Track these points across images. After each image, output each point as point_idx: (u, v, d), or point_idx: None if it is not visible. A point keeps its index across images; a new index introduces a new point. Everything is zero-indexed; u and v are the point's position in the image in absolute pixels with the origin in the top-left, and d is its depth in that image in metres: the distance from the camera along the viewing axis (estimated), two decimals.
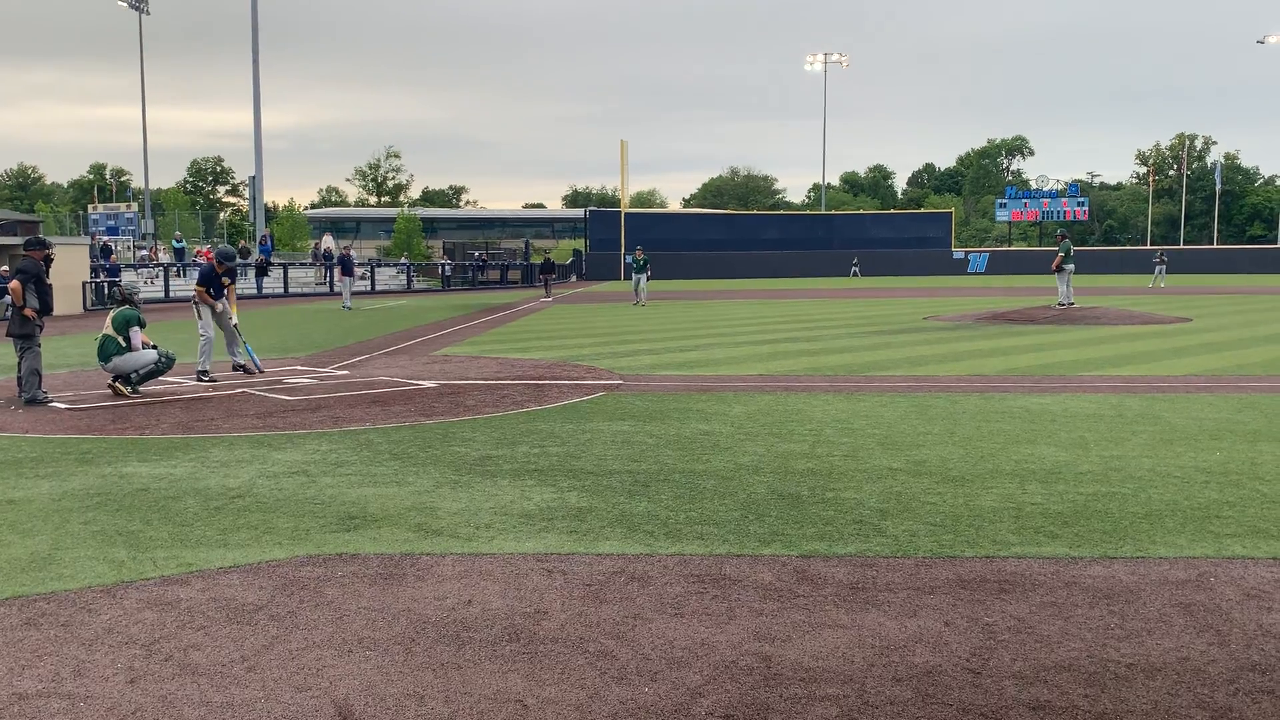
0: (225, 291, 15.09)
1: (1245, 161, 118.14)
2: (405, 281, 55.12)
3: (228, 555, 5.97)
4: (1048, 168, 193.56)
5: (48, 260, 12.93)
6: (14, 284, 12.41)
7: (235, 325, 15.04)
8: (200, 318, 14.74)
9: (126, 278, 39.74)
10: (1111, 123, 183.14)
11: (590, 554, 5.94)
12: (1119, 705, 3.95)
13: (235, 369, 14.90)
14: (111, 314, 13.04)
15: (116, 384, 12.70)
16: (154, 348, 13.01)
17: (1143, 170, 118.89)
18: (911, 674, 4.25)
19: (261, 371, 14.96)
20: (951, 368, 15.14)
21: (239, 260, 15.47)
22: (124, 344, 12.67)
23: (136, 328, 12.84)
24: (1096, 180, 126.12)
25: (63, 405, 12.08)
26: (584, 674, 4.27)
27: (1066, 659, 4.40)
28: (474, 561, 5.82)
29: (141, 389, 12.85)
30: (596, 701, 4.02)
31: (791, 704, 3.98)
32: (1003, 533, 6.28)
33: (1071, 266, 27.96)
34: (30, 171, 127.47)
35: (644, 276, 36.48)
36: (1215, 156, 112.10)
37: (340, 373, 15.26)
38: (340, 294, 37.49)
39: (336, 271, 39.81)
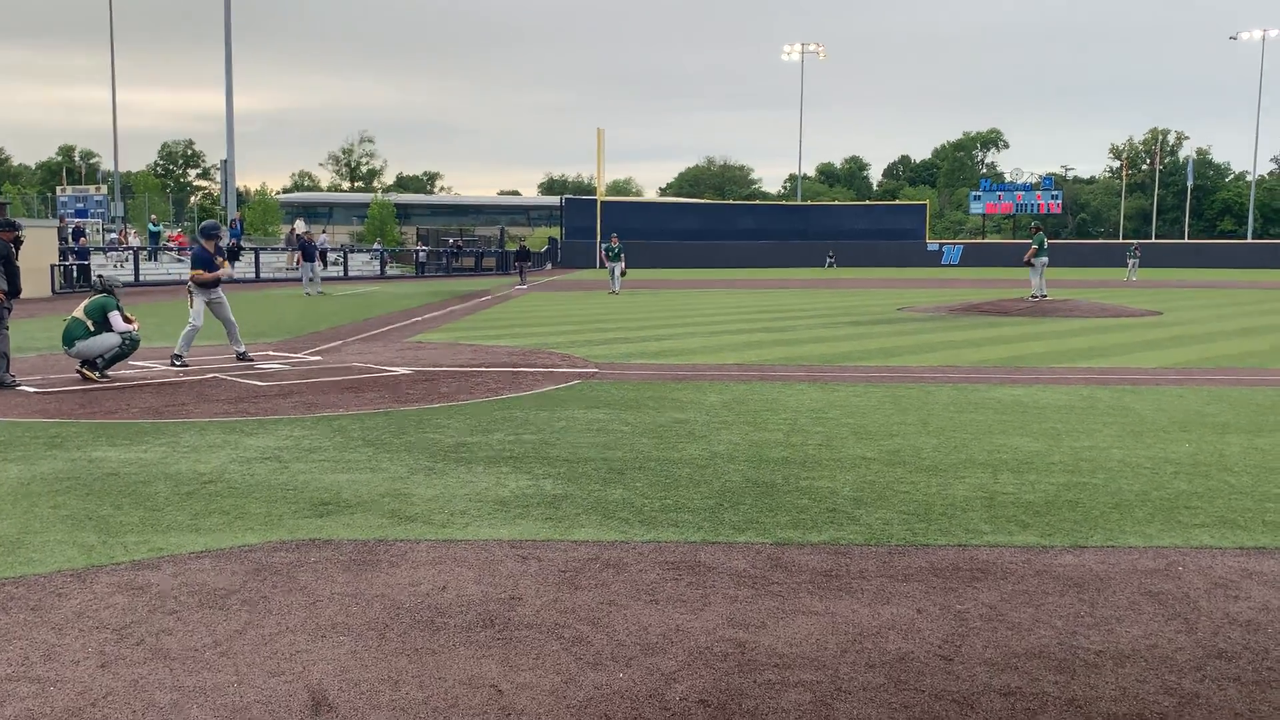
0: (219, 268, 14.63)
1: (1216, 157, 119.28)
2: (379, 268, 54.83)
3: (199, 540, 5.93)
4: (1022, 161, 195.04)
5: (17, 242, 12.78)
6: None
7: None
8: (192, 305, 14.49)
9: (107, 270, 39.46)
10: (1086, 117, 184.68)
11: (565, 541, 5.94)
12: (1089, 691, 4.01)
13: (239, 359, 14.60)
14: (86, 300, 12.93)
15: (83, 369, 12.59)
16: (129, 322, 12.87)
17: (1116, 164, 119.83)
18: (884, 660, 4.29)
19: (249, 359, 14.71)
20: (925, 358, 15.23)
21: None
22: (91, 329, 12.56)
23: (116, 311, 12.75)
24: (1070, 174, 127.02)
25: (31, 389, 11.96)
26: (559, 659, 4.28)
27: (1037, 646, 4.45)
28: (448, 548, 5.82)
29: (110, 373, 12.73)
30: (571, 687, 4.03)
31: (765, 689, 4.00)
32: (975, 522, 6.34)
33: (1045, 259, 28.13)
34: None
35: (619, 265, 36.38)
36: (1187, 152, 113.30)
37: (313, 358, 15.17)
38: (300, 280, 37.21)
39: (297, 256, 39.53)
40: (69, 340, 12.57)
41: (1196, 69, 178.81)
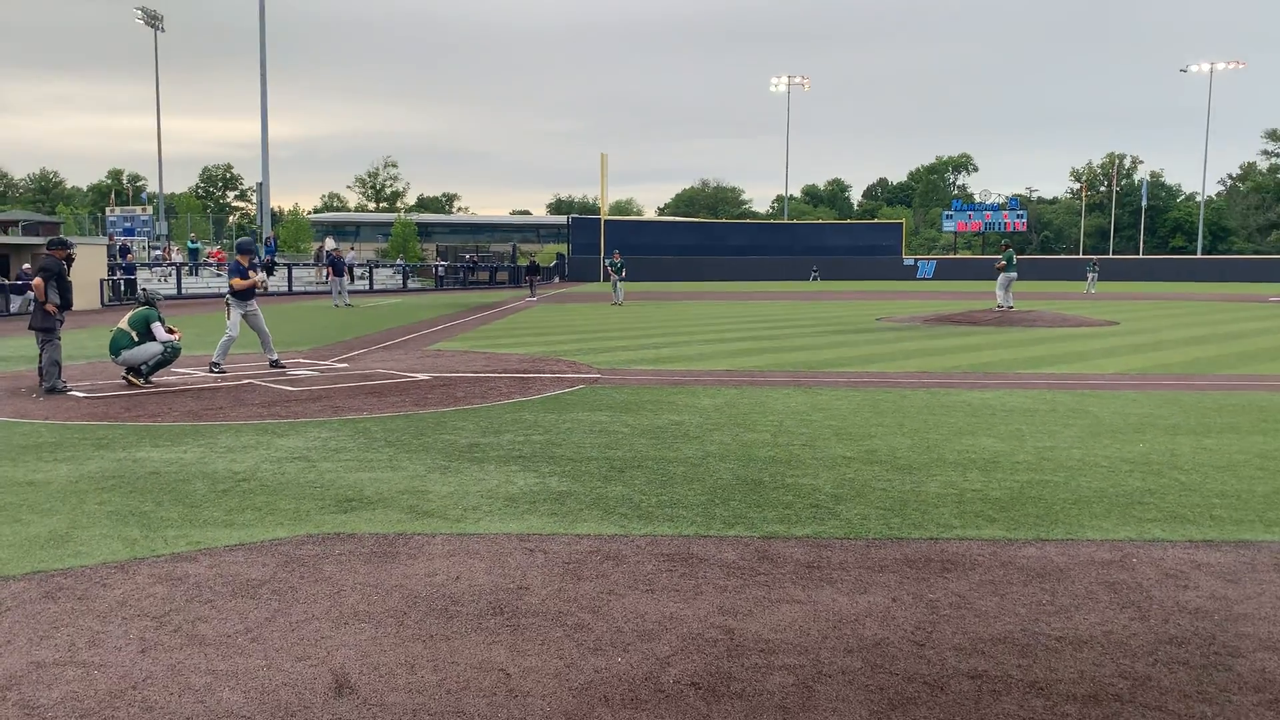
0: (254, 287, 14.59)
1: (1169, 179, 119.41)
2: (401, 281, 54.80)
3: (233, 534, 5.92)
4: (990, 183, 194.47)
5: (69, 259, 12.79)
6: (37, 281, 12.27)
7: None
8: (229, 317, 14.47)
9: (151, 284, 39.47)
10: (1049, 143, 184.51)
11: (569, 534, 5.93)
12: (1049, 674, 3.99)
13: (272, 366, 14.51)
14: (131, 312, 12.93)
15: (129, 376, 12.58)
16: (172, 333, 12.88)
17: (1076, 186, 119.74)
18: (861, 645, 4.27)
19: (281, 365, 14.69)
20: (901, 365, 15.20)
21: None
22: (135, 339, 12.55)
23: (158, 322, 12.75)
24: (1035, 194, 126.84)
25: (81, 394, 11.95)
26: (562, 645, 4.27)
27: (1002, 632, 4.43)
28: (462, 541, 5.80)
29: (154, 379, 12.72)
30: (574, 670, 4.01)
31: (752, 673, 3.99)
32: (945, 516, 6.32)
33: (1014, 275, 28.03)
34: (52, 176, 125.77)
35: (618, 280, 36.64)
36: (1142, 174, 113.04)
37: (340, 365, 15.16)
38: (330, 293, 37.24)
39: (327, 271, 39.51)
40: (115, 350, 12.56)
41: (1150, 98, 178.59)
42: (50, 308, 12.28)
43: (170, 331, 12.88)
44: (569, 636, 4.36)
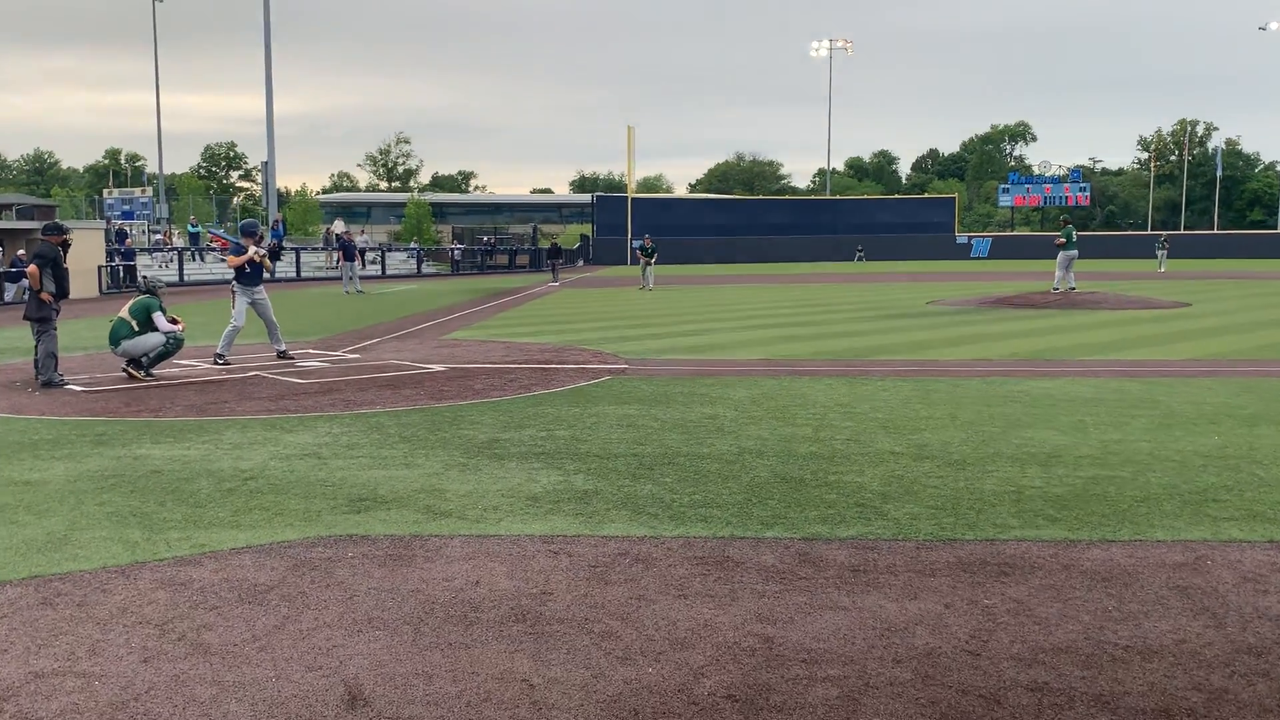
0: (262, 268, 14.73)
1: (1246, 147, 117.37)
2: (415, 266, 55.11)
3: (240, 536, 5.98)
4: (1050, 153, 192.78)
5: (65, 245, 12.97)
6: (32, 268, 12.44)
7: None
8: (234, 305, 14.61)
9: (153, 271, 39.96)
10: (1114, 109, 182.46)
11: (595, 536, 5.94)
12: (1116, 687, 3.95)
13: (279, 357, 14.65)
14: (132, 301, 13.08)
15: (129, 368, 12.74)
16: (175, 323, 13.04)
17: (1144, 156, 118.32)
18: (911, 655, 4.25)
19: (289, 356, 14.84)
20: (954, 352, 15.11)
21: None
22: (136, 329, 12.70)
23: (159, 312, 12.90)
24: (1099, 166, 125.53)
25: (78, 388, 12.11)
26: (589, 654, 4.28)
27: (1064, 641, 4.40)
28: (481, 543, 5.83)
29: (155, 371, 12.87)
30: (601, 681, 4.02)
31: (793, 684, 3.98)
32: (1003, 516, 6.27)
33: (1075, 252, 27.76)
34: (46, 157, 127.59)
35: (650, 262, 36.92)
36: (1216, 142, 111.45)
37: (351, 356, 15.27)
38: (340, 279, 37.54)
39: (337, 255, 39.84)
40: (115, 340, 12.72)
41: (1226, 59, 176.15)
42: (45, 296, 12.45)
43: (173, 322, 13.02)
44: (596, 645, 4.38)
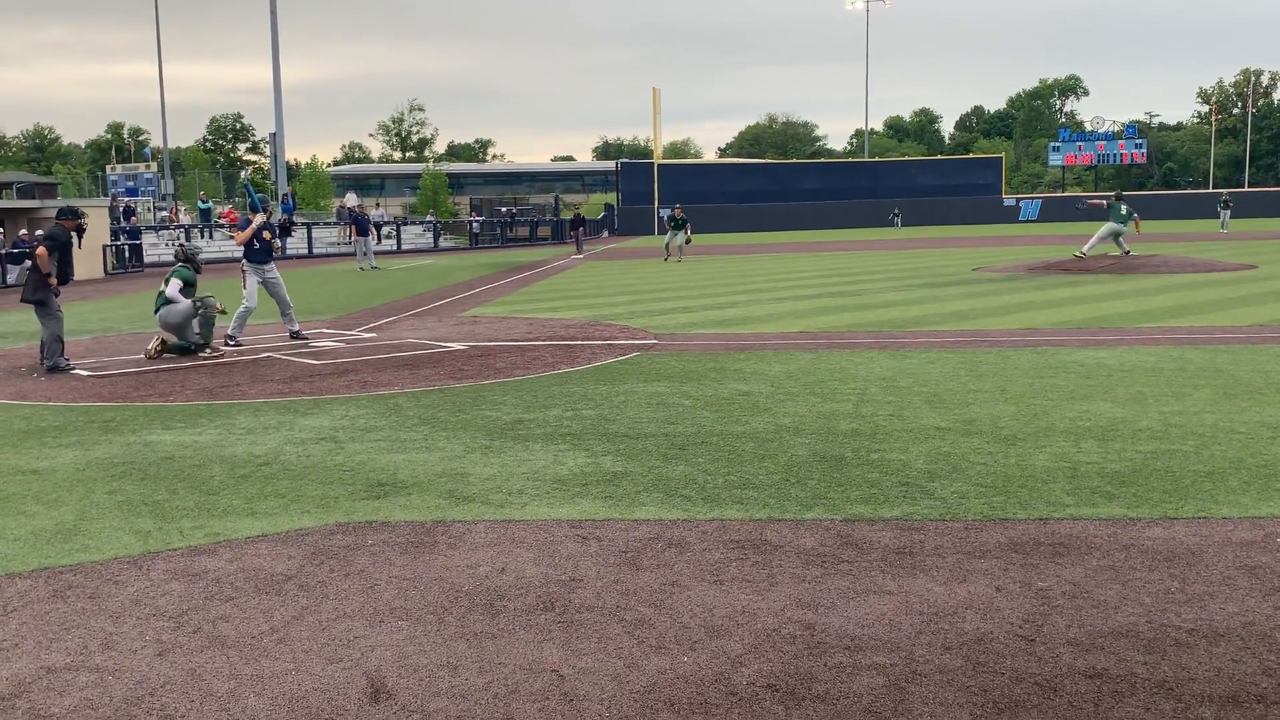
0: (271, 249, 14.85)
1: None
2: (432, 240, 55.27)
3: (255, 524, 6.04)
4: (1103, 109, 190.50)
5: (79, 230, 13.22)
6: (41, 250, 12.55)
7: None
8: (245, 285, 14.72)
9: (159, 248, 40.36)
10: (1171, 60, 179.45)
11: (626, 520, 5.96)
12: (1180, 673, 3.92)
13: (292, 337, 14.78)
14: (171, 270, 13.73)
15: (203, 352, 13.09)
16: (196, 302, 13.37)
17: (1205, 109, 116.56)
18: (961, 641, 4.24)
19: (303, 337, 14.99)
20: (1002, 321, 15.00)
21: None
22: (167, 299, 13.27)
23: (174, 279, 13.33)
24: (1155, 121, 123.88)
25: (85, 372, 12.25)
26: (621, 643, 4.30)
27: (1124, 624, 4.37)
28: (506, 529, 5.86)
29: (225, 346, 13.36)
30: (634, 671, 4.04)
31: (836, 673, 3.98)
32: (1057, 493, 6.23)
33: (1117, 227, 26.65)
34: (47, 133, 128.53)
35: (681, 234, 35.60)
36: None
37: (367, 335, 15.36)
38: (354, 255, 37.73)
39: (350, 230, 40.05)
40: (156, 310, 13.39)
41: None
42: (52, 282, 12.57)
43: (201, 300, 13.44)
44: (628, 634, 4.39)
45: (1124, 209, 27.24)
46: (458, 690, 3.91)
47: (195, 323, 13.23)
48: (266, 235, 14.72)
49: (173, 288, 13.27)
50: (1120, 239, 26.98)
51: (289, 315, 14.91)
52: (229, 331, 14.29)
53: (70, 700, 3.91)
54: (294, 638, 4.43)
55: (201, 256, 14.30)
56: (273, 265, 14.83)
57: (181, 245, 14.87)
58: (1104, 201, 27.44)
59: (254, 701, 3.86)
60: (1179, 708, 3.66)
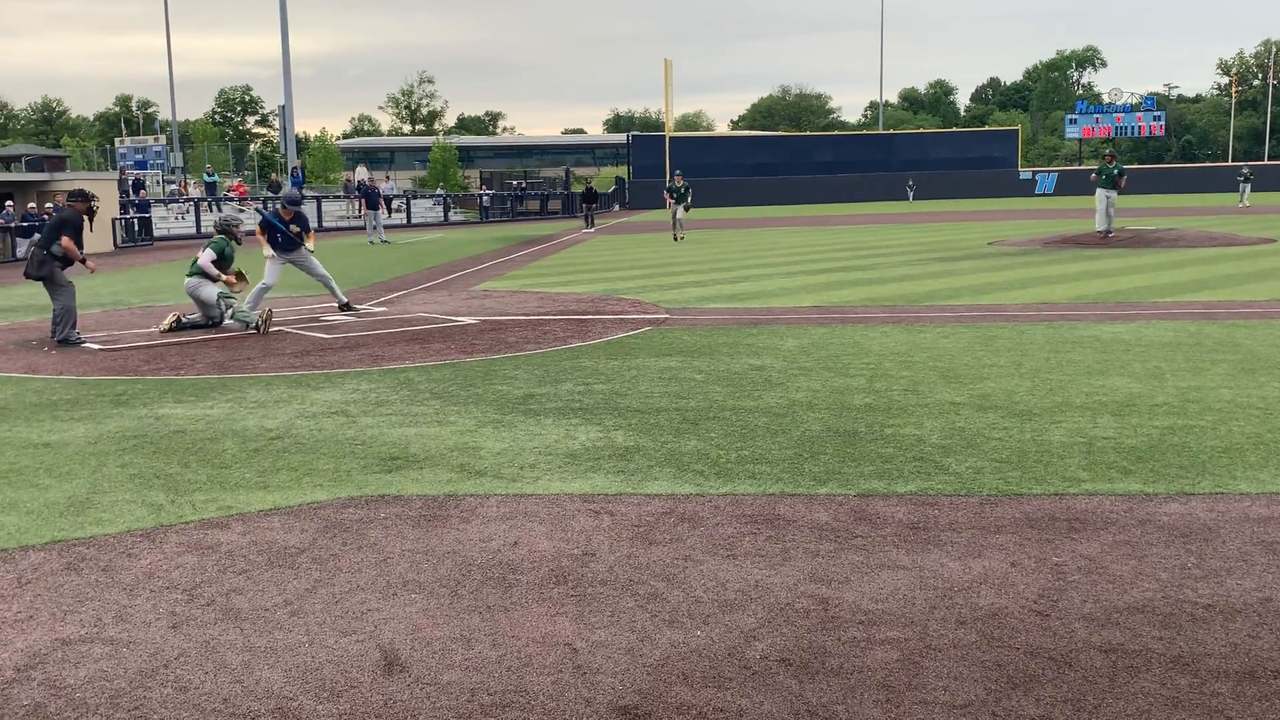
0: (304, 239, 14.80)
1: None
2: (442, 213, 55.21)
3: (268, 497, 6.07)
4: (1121, 80, 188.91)
5: (90, 213, 13.29)
6: (66, 241, 12.59)
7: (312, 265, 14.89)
8: (267, 266, 14.69)
9: (168, 221, 40.42)
10: (1191, 31, 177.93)
11: (638, 494, 5.97)
12: (1195, 648, 3.93)
13: (342, 309, 14.82)
14: (209, 241, 13.89)
15: (252, 330, 12.98)
16: (224, 294, 13.51)
17: (1224, 81, 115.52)
18: (976, 616, 4.25)
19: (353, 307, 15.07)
20: (1018, 296, 14.94)
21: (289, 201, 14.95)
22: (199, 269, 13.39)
23: (208, 249, 13.48)
24: (1174, 93, 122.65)
25: (96, 346, 12.30)
26: (634, 617, 4.32)
27: (1140, 600, 4.37)
28: (519, 502, 5.88)
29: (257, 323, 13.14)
30: (647, 645, 4.06)
31: (850, 647, 3.99)
32: (1073, 469, 6.22)
33: (1109, 193, 25.70)
34: (55, 105, 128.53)
35: (682, 207, 33.32)
36: None
37: (378, 309, 15.37)
38: (364, 228, 37.73)
39: (360, 204, 40.00)
40: (189, 275, 13.59)
41: None
42: (91, 266, 13.05)
43: (238, 277, 13.55)
44: (641, 608, 4.41)
45: (1104, 174, 26.00)
46: (471, 663, 3.94)
47: (221, 303, 13.29)
48: (295, 230, 14.69)
49: (206, 257, 13.34)
50: (1112, 209, 25.85)
51: (332, 290, 14.98)
52: (247, 303, 14.23)
53: (85, 672, 3.95)
54: (307, 610, 4.46)
55: (245, 228, 14.30)
56: (300, 251, 14.76)
57: (224, 217, 14.77)
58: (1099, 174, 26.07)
59: (267, 673, 3.89)
60: (1195, 683, 3.67)
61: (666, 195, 35.36)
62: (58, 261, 12.56)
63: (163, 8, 57.47)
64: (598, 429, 7.48)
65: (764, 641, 4.06)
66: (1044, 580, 4.60)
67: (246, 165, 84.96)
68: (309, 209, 45.56)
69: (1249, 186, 50.24)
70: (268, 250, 14.64)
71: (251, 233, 14.83)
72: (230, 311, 13.12)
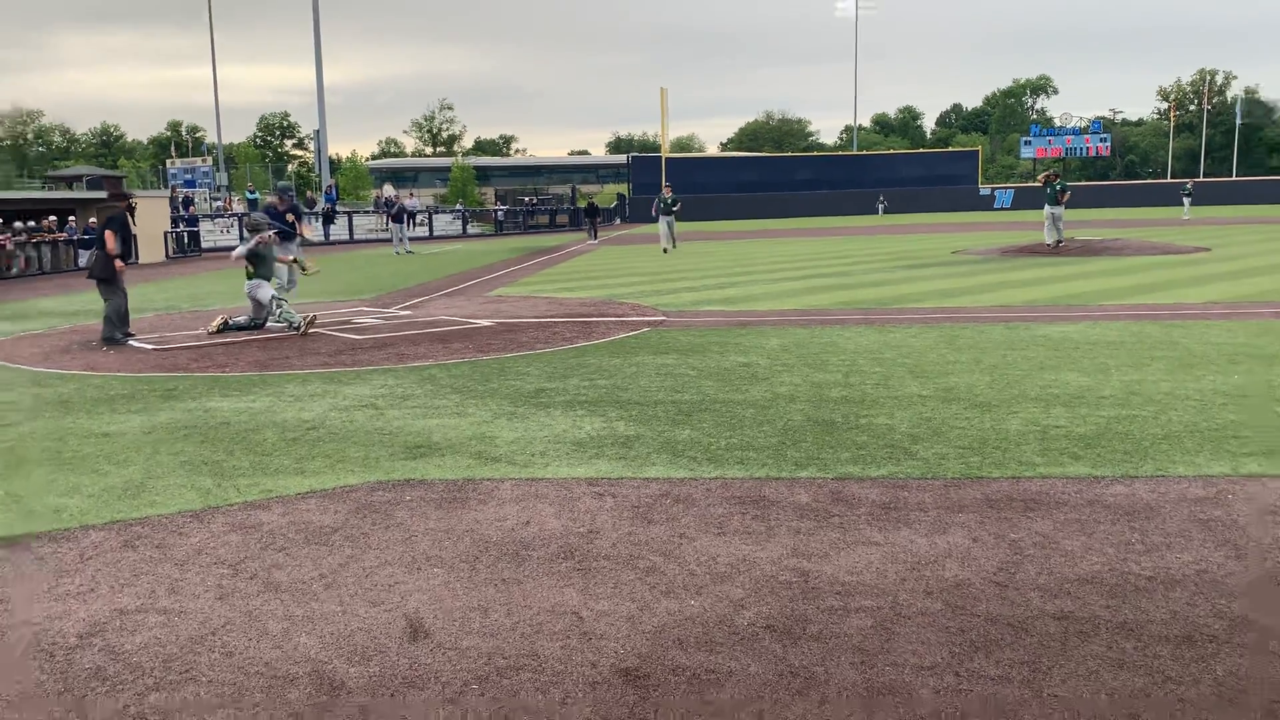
0: (298, 229, 14.69)
1: (1266, 95, 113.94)
2: (461, 227, 55.13)
3: (305, 482, 6.06)
4: (1071, 105, 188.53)
5: (130, 209, 13.24)
6: (109, 234, 12.62)
7: (291, 272, 14.81)
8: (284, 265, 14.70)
9: (214, 235, 40.35)
10: (1133, 61, 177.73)
11: (638, 478, 5.96)
12: (1139, 615, 3.92)
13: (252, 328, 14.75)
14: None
15: (294, 331, 12.91)
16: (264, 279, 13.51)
17: (1164, 106, 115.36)
18: (942, 587, 4.24)
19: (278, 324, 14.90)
20: (978, 299, 14.92)
21: (303, 206, 14.98)
22: (251, 272, 13.28)
23: (247, 233, 13.53)
24: (1119, 117, 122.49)
25: (148, 346, 12.28)
26: (634, 588, 4.31)
27: (1089, 572, 4.36)
28: (530, 486, 5.87)
29: (300, 320, 13.05)
30: (646, 613, 4.05)
31: (829, 615, 3.99)
32: (1028, 454, 6.22)
33: (1054, 210, 25.22)
34: (113, 130, 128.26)
35: (671, 219, 30.58)
36: (1236, 91, 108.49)
37: (403, 313, 15.35)
38: (391, 240, 37.67)
39: (387, 218, 39.96)
40: (249, 277, 13.48)
41: (1245, 7, 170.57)
42: (119, 264, 12.67)
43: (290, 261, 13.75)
44: (641, 580, 4.40)
45: (1049, 189, 25.51)
46: (488, 630, 3.93)
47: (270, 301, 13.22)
48: (289, 217, 14.60)
49: (240, 248, 13.48)
50: (1058, 223, 25.42)
51: (258, 303, 14.68)
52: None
53: (141, 638, 3.94)
54: (340, 583, 4.45)
55: (264, 226, 14.14)
56: (293, 245, 14.62)
57: (248, 215, 14.73)
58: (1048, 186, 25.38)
59: (305, 640, 3.88)
60: (1139, 646, 3.67)
61: (655, 209, 31.82)
62: (115, 267, 12.57)
63: (209, 40, 57.43)
64: (601, 420, 7.47)
65: (751, 610, 4.06)
66: (1002, 555, 4.60)
67: (284, 180, 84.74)
68: (341, 221, 45.56)
69: (1190, 200, 50.21)
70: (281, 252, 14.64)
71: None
72: (279, 312, 13.05)
